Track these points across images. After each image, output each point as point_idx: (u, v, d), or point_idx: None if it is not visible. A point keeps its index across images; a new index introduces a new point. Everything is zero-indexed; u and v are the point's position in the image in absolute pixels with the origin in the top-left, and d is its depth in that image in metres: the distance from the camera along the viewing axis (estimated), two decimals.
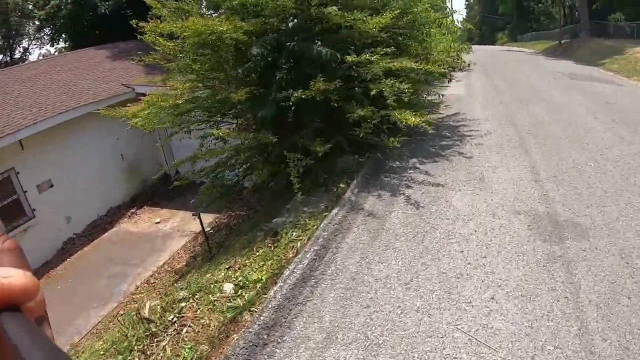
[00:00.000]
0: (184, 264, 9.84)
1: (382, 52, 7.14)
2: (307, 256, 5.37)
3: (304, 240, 5.86)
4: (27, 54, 25.64)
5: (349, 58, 6.58)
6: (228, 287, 5.38)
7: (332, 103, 6.82)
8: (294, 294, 4.94)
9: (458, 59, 8.97)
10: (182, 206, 11.77)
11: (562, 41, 33.78)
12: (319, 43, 7.18)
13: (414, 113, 6.88)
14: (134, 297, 9.39)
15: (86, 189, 11.65)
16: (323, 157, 7.14)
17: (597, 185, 6.49)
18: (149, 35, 6.85)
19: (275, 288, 5.02)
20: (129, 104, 7.93)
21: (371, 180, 7.19)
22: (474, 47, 40.50)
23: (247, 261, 6.16)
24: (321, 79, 6.39)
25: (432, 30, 9.05)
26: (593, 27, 32.04)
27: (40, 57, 22.57)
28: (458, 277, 4.72)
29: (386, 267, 5.02)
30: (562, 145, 8.16)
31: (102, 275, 10.20)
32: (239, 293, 5.25)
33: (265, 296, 4.94)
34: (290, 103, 6.50)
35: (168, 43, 7.01)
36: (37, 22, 19.46)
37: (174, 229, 11.22)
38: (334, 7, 7.00)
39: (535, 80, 16.11)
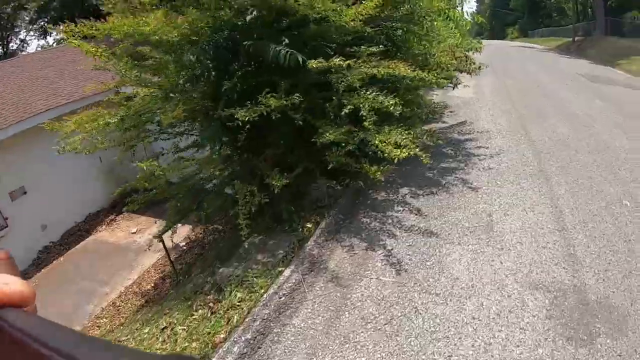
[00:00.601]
0: (152, 285, 8.12)
1: (367, 52, 5.14)
2: (235, 349, 3.46)
3: (244, 311, 3.97)
4: (25, 45, 23.71)
5: (311, 63, 4.52)
6: None
7: (296, 122, 4.86)
8: None
9: (466, 61, 6.72)
10: (162, 214, 9.96)
11: (576, 38, 30.69)
12: (286, 41, 5.16)
13: (407, 133, 4.88)
14: (97, 321, 7.72)
15: (62, 195, 9.91)
16: (291, 183, 5.24)
17: (637, 239, 4.42)
18: (69, 40, 4.89)
19: None
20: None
21: (345, 221, 5.20)
22: (484, 41, 37.45)
23: (179, 327, 4.41)
24: (270, 94, 4.42)
25: (435, 23, 6.90)
26: (608, 24, 28.93)
27: (39, 49, 20.71)
28: None
29: None
30: (590, 174, 6.00)
31: (70, 291, 8.53)
32: None
33: None
34: (239, 123, 4.51)
35: (93, 49, 5.08)
36: (30, 14, 17.61)
37: (150, 242, 9.44)
38: None
39: (551, 82, 13.70)
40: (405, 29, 6.30)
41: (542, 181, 5.76)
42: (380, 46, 5.37)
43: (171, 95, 5.49)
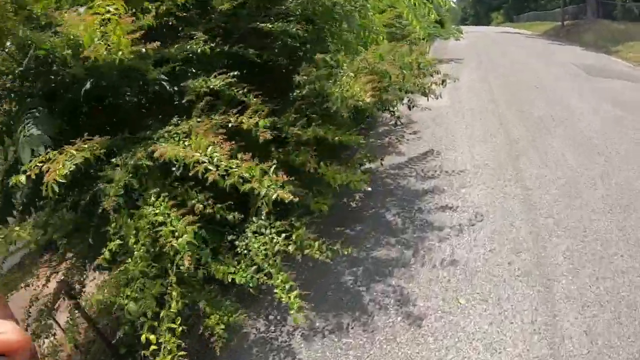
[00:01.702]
0: None
1: (197, 91, 2.54)
2: None
3: None
4: None
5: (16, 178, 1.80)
6: None
7: None
8: None
9: (421, 79, 3.88)
10: None
11: (565, 22, 27.78)
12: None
13: (284, 242, 2.39)
14: None
15: None
16: None
17: None
18: None
19: None
20: None
21: None
22: (468, 28, 34.05)
23: None
24: None
25: (372, 14, 4.16)
26: (599, 8, 26.03)
27: None
28: None
29: None
30: (615, 259, 3.35)
31: None
32: None
33: None
34: None
35: None
36: None
37: None
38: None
39: (544, 77, 10.89)
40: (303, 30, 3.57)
41: (538, 293, 3.06)
42: (233, 74, 2.69)
43: None
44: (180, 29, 3.48)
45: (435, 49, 17.79)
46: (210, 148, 1.99)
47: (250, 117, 2.37)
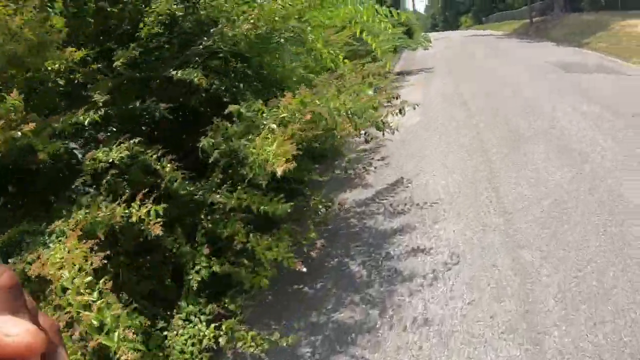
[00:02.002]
0: None
1: None
2: None
3: None
4: None
5: None
6: None
7: None
8: None
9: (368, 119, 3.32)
10: None
11: (533, 20, 27.95)
12: None
13: None
14: None
15: None
16: None
17: None
18: None
19: None
20: None
21: None
22: (438, 34, 34.12)
23: None
24: None
25: (310, 37, 3.75)
26: (566, 1, 26.23)
27: None
28: None
29: None
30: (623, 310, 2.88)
31: None
32: None
33: None
34: None
35: None
36: None
37: None
38: None
39: (521, 78, 10.56)
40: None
41: (526, 352, 2.55)
42: (135, 140, 2.25)
43: None
44: (87, 86, 3.05)
45: (404, 59, 17.59)
46: (76, 268, 1.50)
47: (142, 205, 1.90)
